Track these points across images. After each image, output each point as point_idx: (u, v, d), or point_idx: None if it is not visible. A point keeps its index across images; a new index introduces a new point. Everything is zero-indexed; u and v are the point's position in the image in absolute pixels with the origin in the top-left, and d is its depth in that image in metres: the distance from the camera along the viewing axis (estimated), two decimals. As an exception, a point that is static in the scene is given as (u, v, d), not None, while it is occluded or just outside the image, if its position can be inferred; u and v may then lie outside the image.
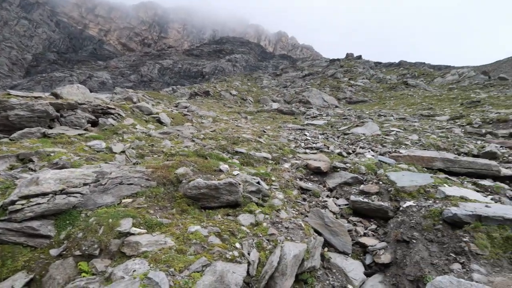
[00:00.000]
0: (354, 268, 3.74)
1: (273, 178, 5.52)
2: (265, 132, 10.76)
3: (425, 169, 6.23)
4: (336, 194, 5.74)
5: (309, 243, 3.46)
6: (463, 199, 4.31)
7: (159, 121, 10.06)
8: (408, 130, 11.90)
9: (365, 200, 4.94)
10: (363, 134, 11.15)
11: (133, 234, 3.16)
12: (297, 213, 4.51)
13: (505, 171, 6.04)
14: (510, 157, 7.46)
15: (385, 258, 3.83)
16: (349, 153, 8.31)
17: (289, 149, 8.18)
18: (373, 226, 4.66)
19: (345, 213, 5.01)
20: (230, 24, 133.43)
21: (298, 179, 6.01)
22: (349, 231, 4.48)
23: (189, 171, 4.47)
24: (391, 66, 57.30)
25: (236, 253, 3.02)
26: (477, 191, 5.13)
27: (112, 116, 8.30)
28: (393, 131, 11.57)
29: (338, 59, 53.29)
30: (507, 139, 9.58)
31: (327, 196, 5.65)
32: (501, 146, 8.58)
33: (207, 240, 3.14)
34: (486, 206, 3.90)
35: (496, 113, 13.67)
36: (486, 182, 5.54)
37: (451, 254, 3.41)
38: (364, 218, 4.88)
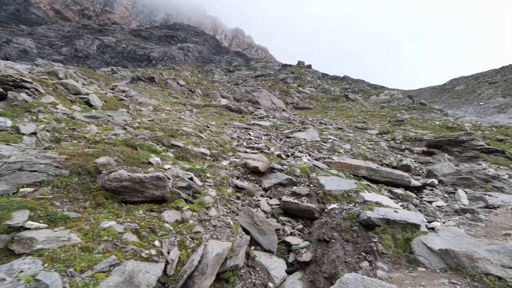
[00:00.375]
0: (277, 266, 3.85)
1: (208, 175, 5.35)
2: (208, 127, 10.47)
3: (352, 176, 6.83)
4: (270, 194, 5.87)
5: (234, 242, 3.42)
6: (378, 204, 4.82)
7: (87, 103, 8.87)
8: (343, 139, 12.98)
9: (295, 201, 5.16)
10: (304, 139, 11.77)
11: (28, 228, 2.69)
12: (228, 211, 4.44)
13: (414, 182, 7.04)
14: (420, 171, 8.74)
15: (306, 256, 4.03)
16: (288, 156, 8.63)
17: (230, 147, 8.10)
18: (300, 226, 4.89)
19: (276, 213, 5.15)
20: (186, 11, 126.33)
21: (234, 178, 5.96)
22: (277, 230, 4.60)
23: (112, 161, 4.01)
24: (336, 79, 62.11)
25: (153, 252, 2.80)
26: (391, 198, 5.82)
27: (26, 90, 7.00)
28: (330, 139, 12.49)
29: (290, 65, 55.57)
30: (420, 155, 11.23)
31: (261, 195, 5.74)
32: (414, 161, 10.06)
33: (122, 237, 2.84)
34: (395, 211, 4.42)
35: (415, 132, 15.94)
36: (399, 191, 6.33)
37: (362, 253, 3.76)
38: (293, 218, 5.09)
